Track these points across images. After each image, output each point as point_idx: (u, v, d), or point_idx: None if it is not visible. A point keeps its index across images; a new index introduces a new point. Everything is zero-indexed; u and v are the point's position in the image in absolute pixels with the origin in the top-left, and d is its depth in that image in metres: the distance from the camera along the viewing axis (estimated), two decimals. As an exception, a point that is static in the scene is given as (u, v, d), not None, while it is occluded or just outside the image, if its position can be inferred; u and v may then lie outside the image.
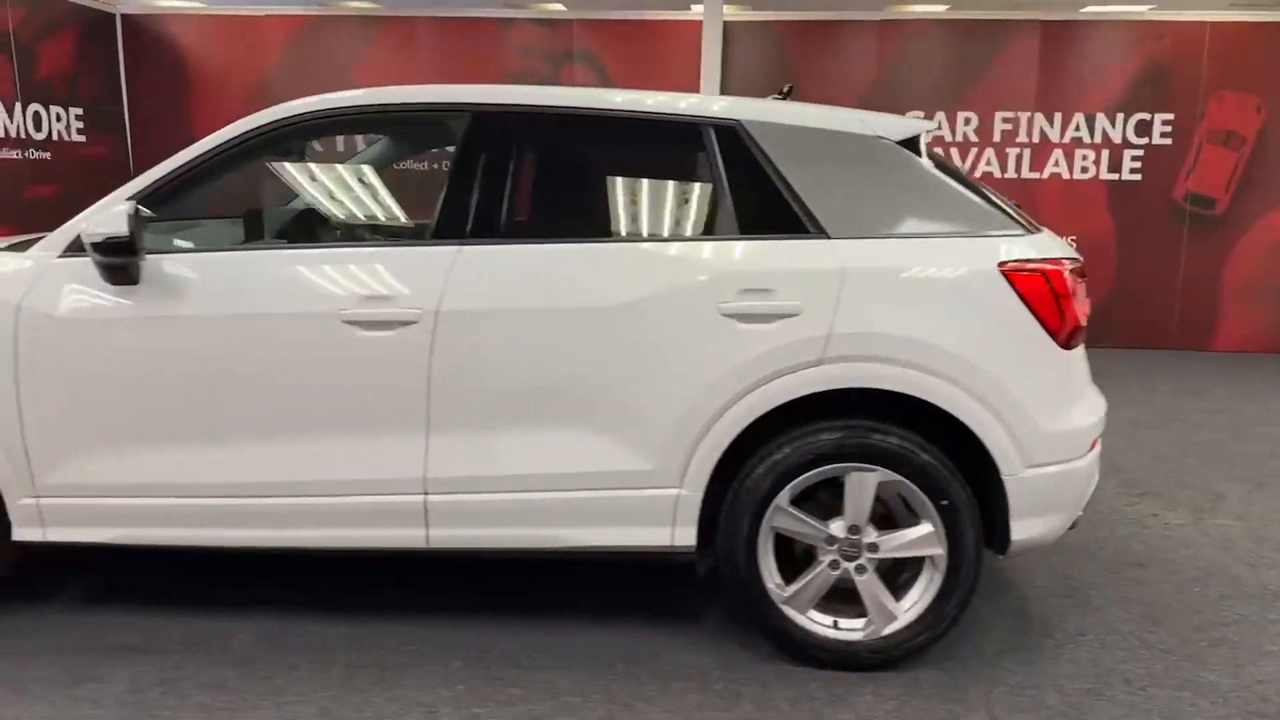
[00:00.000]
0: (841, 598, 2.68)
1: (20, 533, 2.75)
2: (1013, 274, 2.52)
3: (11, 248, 2.88)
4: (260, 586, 3.14)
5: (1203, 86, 7.90)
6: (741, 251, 2.59)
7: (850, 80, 8.17)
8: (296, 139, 3.24)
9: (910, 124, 2.77)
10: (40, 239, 2.93)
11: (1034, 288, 2.52)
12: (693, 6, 8.15)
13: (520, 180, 2.72)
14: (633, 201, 2.80)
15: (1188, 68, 7.88)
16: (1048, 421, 2.55)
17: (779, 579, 2.65)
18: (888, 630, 2.63)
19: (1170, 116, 7.95)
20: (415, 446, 2.62)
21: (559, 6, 8.19)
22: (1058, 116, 8.03)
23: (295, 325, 2.61)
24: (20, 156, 7.39)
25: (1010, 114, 8.06)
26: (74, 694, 2.51)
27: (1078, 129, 8.05)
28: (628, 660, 2.71)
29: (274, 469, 2.66)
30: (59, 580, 3.14)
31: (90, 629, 2.85)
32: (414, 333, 2.57)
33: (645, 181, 2.87)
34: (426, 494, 2.64)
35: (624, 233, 2.76)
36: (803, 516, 2.60)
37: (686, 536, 2.64)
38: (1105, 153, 8.05)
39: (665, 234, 2.67)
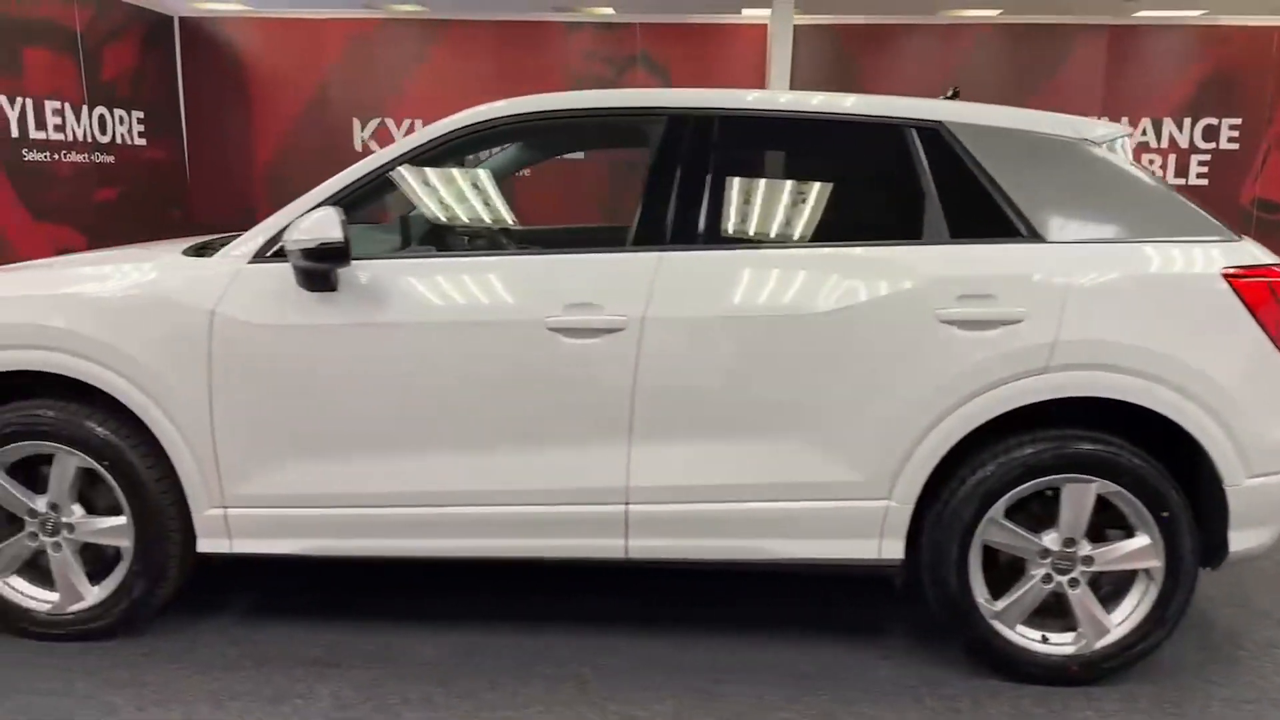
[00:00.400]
0: (1044, 611, 2.63)
1: (206, 544, 2.70)
2: (1236, 280, 2.48)
3: (193, 251, 2.83)
4: (428, 599, 3.09)
5: (1271, 91, 7.88)
6: (957, 256, 2.54)
7: (913, 83, 8.14)
8: (489, 143, 3.18)
9: (1113, 128, 2.74)
10: (219, 241, 2.89)
11: (1258, 294, 2.48)
12: (744, 10, 8.11)
13: (719, 185, 2.67)
14: (835, 205, 2.75)
15: (1256, 73, 7.86)
16: (1272, 429, 2.50)
17: (987, 593, 2.60)
18: (1099, 644, 2.58)
19: (1238, 121, 7.93)
20: (618, 455, 2.57)
21: (608, 11, 8.16)
22: (1124, 121, 8.00)
23: (498, 333, 2.56)
24: (87, 160, 7.33)
25: (1076, 118, 8.01)
26: (279, 710, 2.45)
27: (1144, 134, 8.03)
28: (832, 676, 2.66)
29: (470, 478, 2.61)
30: (219, 593, 3.07)
31: (274, 642, 2.79)
32: (620, 340, 2.52)
33: (848, 184, 2.83)
34: (628, 503, 2.59)
35: (829, 237, 2.70)
36: (1017, 529, 2.55)
37: (894, 549, 2.59)
38: (1172, 157, 8.03)
39: (873, 238, 2.61)
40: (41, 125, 6.81)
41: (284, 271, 2.59)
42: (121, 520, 2.72)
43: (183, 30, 8.50)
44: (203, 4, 8.32)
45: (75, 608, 2.77)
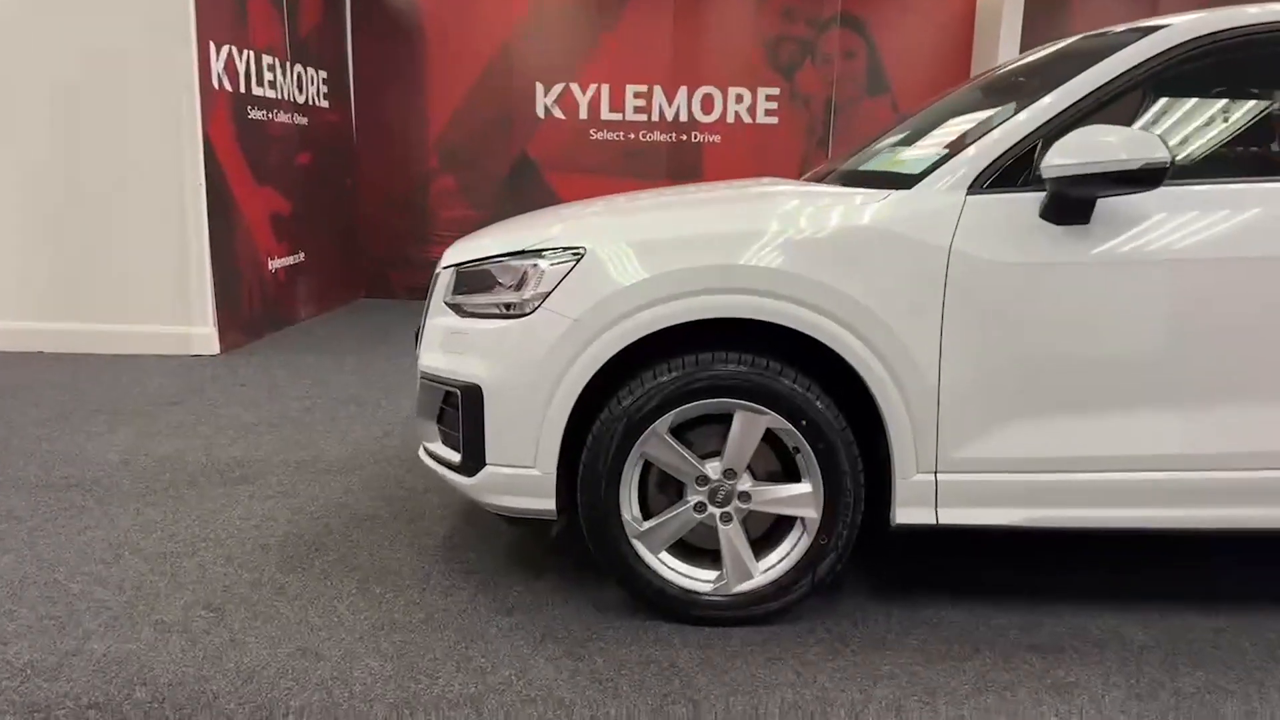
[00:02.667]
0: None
1: (905, 515, 2.39)
2: None
3: (841, 178, 2.50)
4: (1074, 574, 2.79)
5: None
6: None
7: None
8: (1203, 62, 2.84)
9: None
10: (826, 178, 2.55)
11: None
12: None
13: None
14: None
15: None
16: None
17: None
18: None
19: None
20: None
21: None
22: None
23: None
24: (291, 121, 6.88)
25: None
26: (982, 701, 2.15)
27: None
28: None
29: (1222, 438, 2.32)
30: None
31: (961, 625, 2.49)
32: None
33: None
34: None
35: None
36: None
37: None
38: None
39: None
40: (260, 81, 6.36)
41: (1016, 202, 2.29)
42: (806, 487, 2.40)
43: (353, -14, 8.03)
44: (379, -41, 7.87)
45: (743, 587, 2.45)
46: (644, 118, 8.19)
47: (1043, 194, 2.29)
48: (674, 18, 8.06)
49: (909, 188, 2.38)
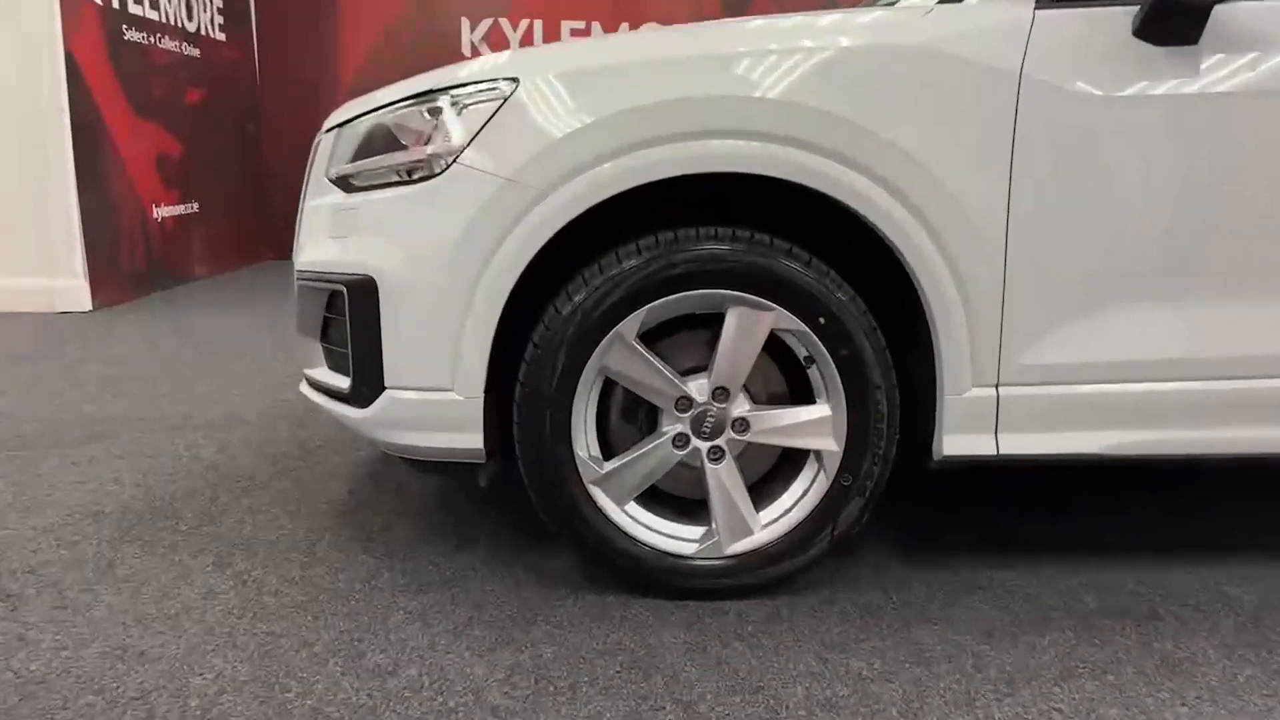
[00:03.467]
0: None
1: (954, 444, 1.78)
2: None
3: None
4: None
5: None
6: None
7: None
8: None
9: None
10: None
11: None
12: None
13: None
14: None
15: None
16: None
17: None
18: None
19: None
20: None
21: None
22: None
23: None
24: (178, 50, 6.03)
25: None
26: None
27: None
28: None
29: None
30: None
31: (1005, 588, 1.90)
32: None
33: None
34: None
35: None
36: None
37: None
38: None
39: None
40: (138, -1, 5.51)
41: (1103, 17, 1.69)
42: (825, 410, 1.77)
43: (254, -92, 7.17)
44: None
45: (739, 547, 1.81)
46: (581, 58, 7.49)
47: (1135, 8, 1.69)
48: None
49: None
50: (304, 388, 2.10)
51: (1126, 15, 1.69)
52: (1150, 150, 1.69)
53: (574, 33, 7.46)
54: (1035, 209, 1.68)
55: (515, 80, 1.70)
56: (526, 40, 7.46)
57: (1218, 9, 1.67)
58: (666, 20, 7.45)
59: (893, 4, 2.02)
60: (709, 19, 6.73)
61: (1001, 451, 1.78)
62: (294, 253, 2.09)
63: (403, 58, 7.38)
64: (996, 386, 1.75)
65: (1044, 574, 1.97)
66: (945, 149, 1.66)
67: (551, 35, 7.44)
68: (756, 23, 1.80)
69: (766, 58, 1.67)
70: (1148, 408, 1.77)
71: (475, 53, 7.46)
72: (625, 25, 7.45)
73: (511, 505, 2.28)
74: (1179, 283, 1.73)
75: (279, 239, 7.61)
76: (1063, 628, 1.76)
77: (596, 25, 7.44)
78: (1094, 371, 1.75)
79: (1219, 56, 1.69)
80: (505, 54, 1.82)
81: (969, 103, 1.67)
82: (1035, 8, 1.71)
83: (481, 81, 1.73)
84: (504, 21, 7.43)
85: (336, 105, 7.74)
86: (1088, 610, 1.83)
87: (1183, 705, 1.52)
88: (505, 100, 1.69)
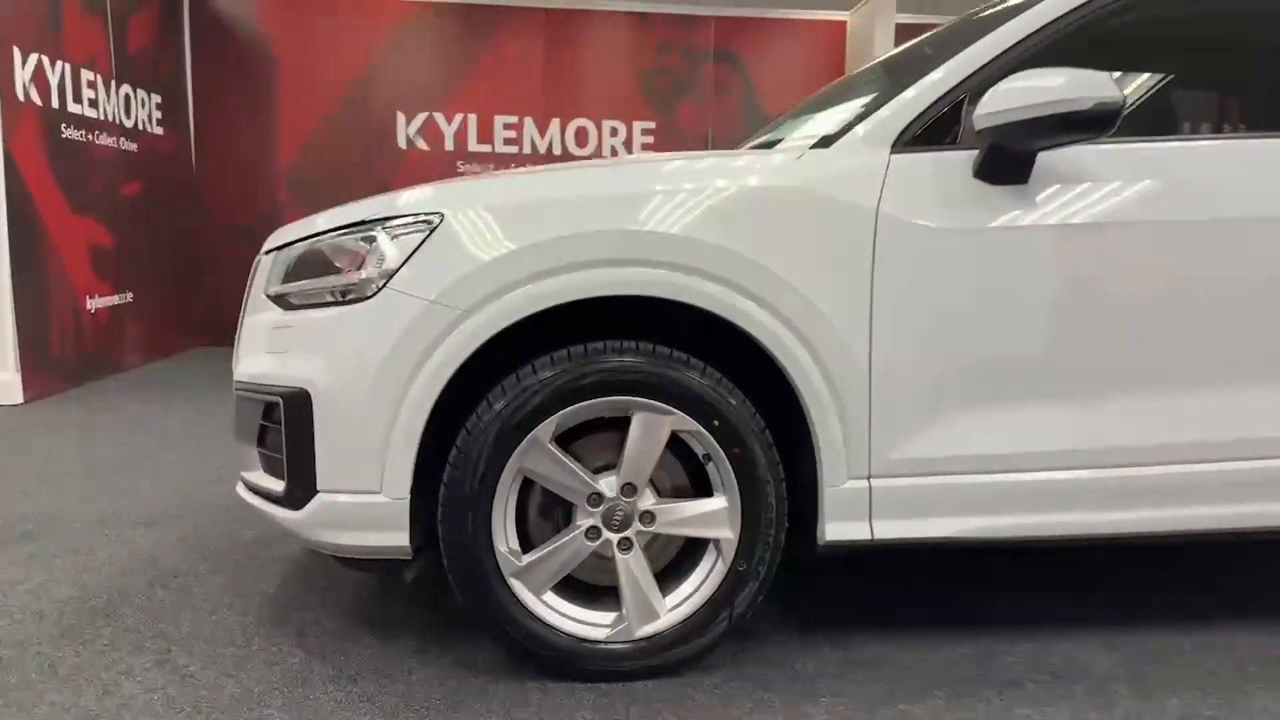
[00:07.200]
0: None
1: (835, 530, 1.99)
2: None
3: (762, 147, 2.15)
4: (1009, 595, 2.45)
5: None
6: None
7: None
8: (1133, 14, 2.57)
9: None
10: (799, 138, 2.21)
11: None
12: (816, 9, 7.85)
13: None
14: None
15: None
16: None
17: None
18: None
19: None
20: (1366, 388, 2.07)
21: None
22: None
23: (1248, 232, 2.01)
24: (115, 145, 6.17)
25: None
26: None
27: None
28: None
29: (1180, 427, 2.04)
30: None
31: (900, 662, 2.10)
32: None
33: None
34: (1379, 448, 2.08)
35: None
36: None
37: None
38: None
39: None
40: (78, 98, 5.65)
41: (946, 160, 1.99)
42: (721, 502, 1.98)
43: (193, 5, 7.41)
44: (223, -22, 7.30)
45: (648, 630, 1.99)
46: (515, 150, 7.82)
47: (974, 152, 1.98)
48: (544, 48, 7.78)
49: (827, 146, 2.04)
50: (241, 490, 2.24)
51: (968, 158, 1.98)
52: (988, 274, 1.96)
53: (507, 126, 7.77)
54: (893, 326, 1.93)
55: (440, 215, 1.92)
56: (461, 133, 7.74)
57: (1041, 155, 1.96)
58: (596, 116, 7.83)
59: (773, 145, 2.29)
60: (636, 120, 7.13)
61: (876, 536, 2.00)
62: (234, 363, 2.24)
63: (338, 149, 7.62)
64: (869, 479, 1.98)
65: (921, 647, 2.18)
66: (818, 275, 1.92)
67: (485, 129, 7.75)
68: (648, 165, 2.05)
69: (662, 197, 1.91)
70: (1008, 496, 2.02)
71: (410, 145, 7.72)
72: (556, 121, 7.80)
73: (436, 601, 2.42)
74: (1013, 387, 1.99)
75: (213, 325, 7.67)
76: (937, 696, 1.96)
77: (529, 119, 7.77)
78: (952, 464, 1.99)
79: (1045, 193, 1.98)
80: (431, 189, 2.04)
81: (837, 235, 1.93)
82: (890, 152, 1.99)
83: (410, 215, 1.94)
84: (438, 115, 7.72)
85: (273, 193, 7.99)
86: (959, 679, 2.04)
87: (1032, 763, 1.72)
88: (431, 232, 1.90)
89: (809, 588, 2.51)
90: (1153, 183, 2.01)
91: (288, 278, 2.09)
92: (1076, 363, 2.00)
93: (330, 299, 1.98)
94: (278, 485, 2.03)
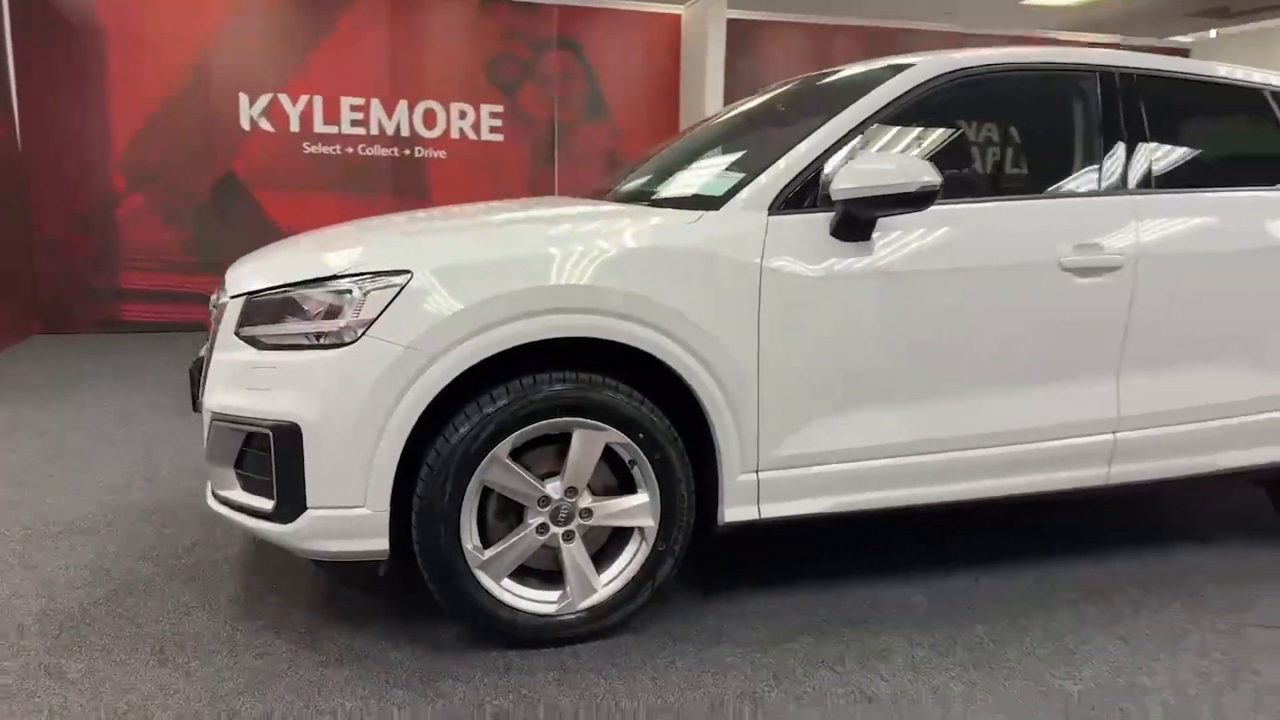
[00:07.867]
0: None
1: (732, 514, 2.55)
2: None
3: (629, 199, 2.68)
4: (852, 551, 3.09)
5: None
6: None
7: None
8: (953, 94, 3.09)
9: None
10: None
11: None
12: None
13: (1160, 135, 2.95)
14: (1238, 154, 3.17)
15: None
16: None
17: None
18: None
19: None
20: (1108, 387, 2.81)
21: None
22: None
23: (1019, 275, 2.68)
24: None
25: None
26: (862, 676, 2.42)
27: None
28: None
29: (976, 421, 2.71)
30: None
31: (780, 612, 2.69)
32: (1119, 277, 2.76)
33: (1242, 137, 3.22)
34: (1116, 433, 2.83)
35: (1246, 182, 3.06)
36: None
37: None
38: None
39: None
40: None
41: (811, 222, 2.55)
42: (644, 498, 2.49)
43: (12, -18, 7.02)
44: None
45: (588, 603, 2.48)
46: (362, 131, 7.91)
47: (832, 214, 2.54)
48: (390, 30, 7.87)
49: (715, 209, 2.54)
50: (214, 504, 2.53)
51: (825, 220, 2.54)
52: (842, 309, 2.54)
53: (354, 108, 7.83)
54: (775, 351, 2.48)
55: (410, 273, 2.29)
56: (307, 114, 7.73)
57: (881, 220, 2.54)
58: (444, 99, 8.01)
59: (647, 194, 2.79)
60: (484, 104, 7.43)
61: (763, 516, 2.57)
62: (204, 393, 2.52)
63: (180, 130, 7.46)
64: (758, 472, 2.53)
65: (796, 598, 2.78)
66: (714, 314, 2.42)
67: (331, 110, 7.78)
68: (585, 225, 2.48)
69: (580, 254, 2.35)
70: (856, 479, 2.63)
71: (255, 127, 7.65)
72: (404, 102, 7.93)
73: (392, 592, 2.80)
74: (863, 396, 2.60)
75: (47, 313, 7.40)
76: (807, 636, 2.56)
77: (376, 101, 7.86)
78: (820, 457, 2.58)
79: (881, 246, 2.57)
80: (397, 244, 2.40)
81: (728, 283, 2.44)
82: (768, 215, 2.52)
83: (381, 273, 2.29)
84: (283, 96, 7.69)
85: (108, 177, 7.78)
86: (822, 620, 2.65)
87: (883, 680, 2.34)
88: (402, 289, 2.27)
89: (711, 560, 3.07)
90: (953, 236, 2.64)
91: (257, 321, 2.39)
92: (907, 375, 2.63)
93: (307, 343, 2.32)
94: (265, 503, 2.36)
